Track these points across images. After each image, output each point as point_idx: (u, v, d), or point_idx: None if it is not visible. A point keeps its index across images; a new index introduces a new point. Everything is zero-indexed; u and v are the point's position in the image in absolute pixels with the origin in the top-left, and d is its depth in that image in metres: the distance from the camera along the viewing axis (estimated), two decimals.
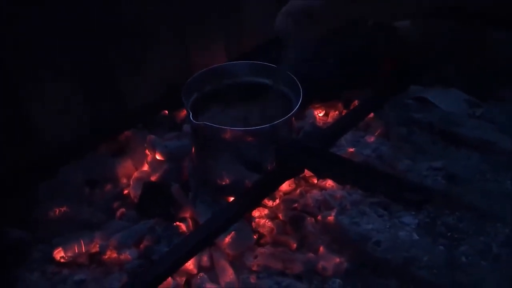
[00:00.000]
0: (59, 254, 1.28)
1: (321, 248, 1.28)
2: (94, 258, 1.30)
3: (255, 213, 1.32)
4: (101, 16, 1.44)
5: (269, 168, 1.26)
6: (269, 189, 1.23)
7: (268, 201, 1.34)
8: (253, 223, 1.30)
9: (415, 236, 1.32)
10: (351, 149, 1.57)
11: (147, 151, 1.52)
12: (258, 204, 1.27)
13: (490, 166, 1.56)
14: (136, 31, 1.54)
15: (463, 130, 1.70)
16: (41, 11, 1.31)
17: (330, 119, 1.73)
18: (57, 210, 1.40)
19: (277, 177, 1.21)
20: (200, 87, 1.33)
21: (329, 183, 1.44)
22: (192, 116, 1.16)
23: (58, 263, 1.28)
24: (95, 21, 1.43)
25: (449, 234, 1.35)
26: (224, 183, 1.30)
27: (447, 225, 1.37)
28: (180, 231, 1.29)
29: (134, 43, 1.55)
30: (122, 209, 1.41)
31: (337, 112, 1.74)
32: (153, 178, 1.43)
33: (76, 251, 1.28)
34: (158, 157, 1.46)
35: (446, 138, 1.68)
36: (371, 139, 1.63)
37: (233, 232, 1.22)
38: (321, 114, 1.74)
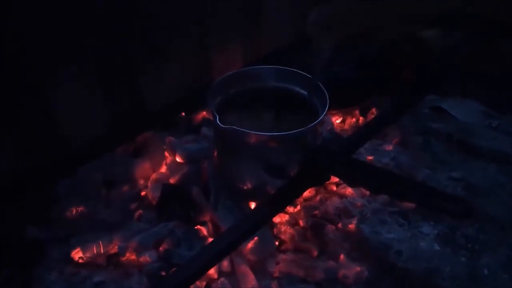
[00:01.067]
0: (77, 254, 1.27)
1: (342, 256, 1.27)
2: (113, 260, 1.29)
3: (276, 219, 1.31)
4: (125, 17, 1.44)
5: (292, 174, 1.25)
6: (293, 196, 1.22)
7: (289, 207, 1.34)
8: (274, 229, 1.30)
9: (436, 247, 1.32)
10: (370, 157, 1.57)
11: (166, 153, 1.51)
12: (282, 210, 1.26)
13: (508, 178, 1.56)
14: (157, 34, 1.54)
15: (480, 141, 1.70)
16: (65, 10, 1.30)
17: (347, 126, 1.72)
18: (74, 210, 1.40)
19: (301, 184, 1.21)
20: (224, 91, 1.33)
21: (349, 191, 1.43)
22: (218, 120, 1.15)
23: (76, 264, 1.27)
24: (119, 22, 1.42)
25: (469, 245, 1.34)
26: (246, 187, 1.29)
27: (467, 237, 1.37)
28: (201, 235, 1.28)
29: (155, 45, 1.54)
30: (140, 211, 1.40)
31: (354, 119, 1.74)
32: (172, 180, 1.42)
33: (95, 251, 1.27)
34: (178, 159, 1.45)
35: (463, 148, 1.68)
36: (389, 147, 1.62)
37: (256, 238, 1.21)
38: (338, 121, 1.73)
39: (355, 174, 1.04)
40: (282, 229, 1.29)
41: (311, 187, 1.26)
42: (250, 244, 1.22)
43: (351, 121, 1.74)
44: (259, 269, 1.23)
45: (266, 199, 1.18)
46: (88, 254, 1.27)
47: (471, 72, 1.88)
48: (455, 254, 1.31)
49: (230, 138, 1.21)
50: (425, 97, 1.64)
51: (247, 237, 1.11)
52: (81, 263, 1.27)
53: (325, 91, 1.26)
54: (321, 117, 1.19)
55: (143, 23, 1.49)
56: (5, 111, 1.28)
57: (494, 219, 1.41)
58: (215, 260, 1.06)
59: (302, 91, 1.32)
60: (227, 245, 1.06)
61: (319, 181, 1.21)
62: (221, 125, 1.14)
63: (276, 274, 1.23)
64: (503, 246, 1.33)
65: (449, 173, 1.54)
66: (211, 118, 1.20)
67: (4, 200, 1.32)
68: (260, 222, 1.11)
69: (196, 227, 1.29)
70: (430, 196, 0.92)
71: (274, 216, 1.22)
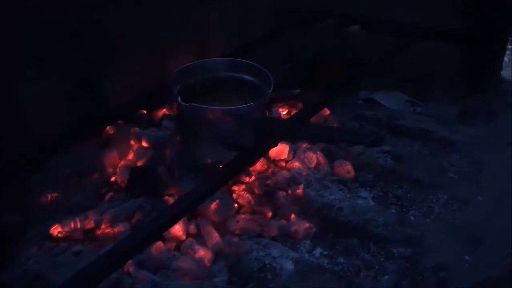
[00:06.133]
0: (56, 230, 1.40)
1: (292, 216, 1.47)
2: (89, 235, 1.43)
3: (235, 187, 1.50)
4: (89, 27, 1.62)
5: (245, 147, 1.45)
6: (247, 163, 1.42)
7: (245, 178, 1.53)
8: (233, 195, 1.48)
9: (371, 203, 1.55)
10: None
11: (131, 142, 1.67)
12: (238, 173, 1.45)
13: (429, 150, 1.84)
14: (118, 41, 1.72)
15: (406, 123, 1.99)
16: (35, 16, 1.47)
17: None
18: (49, 196, 1.52)
19: (254, 152, 1.40)
20: (183, 80, 1.51)
21: (296, 164, 1.65)
22: (180, 99, 1.34)
23: (56, 238, 1.40)
24: (83, 30, 1.60)
25: (399, 203, 1.58)
26: (207, 162, 1.47)
27: (398, 197, 1.61)
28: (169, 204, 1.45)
29: (116, 50, 1.73)
30: (111, 193, 1.54)
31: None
32: (139, 164, 1.58)
33: (72, 226, 1.40)
34: (143, 144, 1.62)
35: (391, 130, 1.95)
36: None
37: (217, 200, 1.39)
38: (284, 112, 1.96)
39: (294, 133, 1.26)
40: (240, 195, 1.48)
41: (262, 154, 1.46)
42: (212, 206, 1.39)
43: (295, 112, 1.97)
44: (222, 228, 1.41)
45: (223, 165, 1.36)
46: (66, 229, 1.40)
47: (395, 70, 2.18)
48: (387, 208, 1.54)
49: (190, 116, 1.39)
50: (351, 88, 1.88)
51: (206, 197, 1.27)
52: (60, 237, 1.40)
53: (270, 75, 1.48)
54: (266, 95, 1.40)
55: (108, 33, 1.67)
56: None
57: (418, 181, 1.66)
58: (176, 218, 1.21)
59: (251, 78, 1.54)
60: (187, 204, 1.21)
61: (268, 148, 1.42)
62: (183, 103, 1.33)
63: (237, 231, 1.41)
64: (425, 200, 1.58)
65: (380, 148, 1.80)
66: (174, 100, 1.38)
67: None
68: (217, 185, 1.27)
69: (164, 198, 1.45)
70: (350, 134, 1.15)
71: (229, 179, 1.40)
